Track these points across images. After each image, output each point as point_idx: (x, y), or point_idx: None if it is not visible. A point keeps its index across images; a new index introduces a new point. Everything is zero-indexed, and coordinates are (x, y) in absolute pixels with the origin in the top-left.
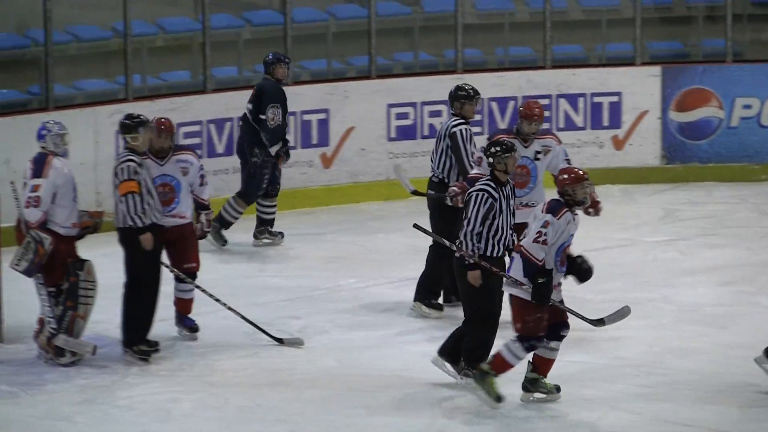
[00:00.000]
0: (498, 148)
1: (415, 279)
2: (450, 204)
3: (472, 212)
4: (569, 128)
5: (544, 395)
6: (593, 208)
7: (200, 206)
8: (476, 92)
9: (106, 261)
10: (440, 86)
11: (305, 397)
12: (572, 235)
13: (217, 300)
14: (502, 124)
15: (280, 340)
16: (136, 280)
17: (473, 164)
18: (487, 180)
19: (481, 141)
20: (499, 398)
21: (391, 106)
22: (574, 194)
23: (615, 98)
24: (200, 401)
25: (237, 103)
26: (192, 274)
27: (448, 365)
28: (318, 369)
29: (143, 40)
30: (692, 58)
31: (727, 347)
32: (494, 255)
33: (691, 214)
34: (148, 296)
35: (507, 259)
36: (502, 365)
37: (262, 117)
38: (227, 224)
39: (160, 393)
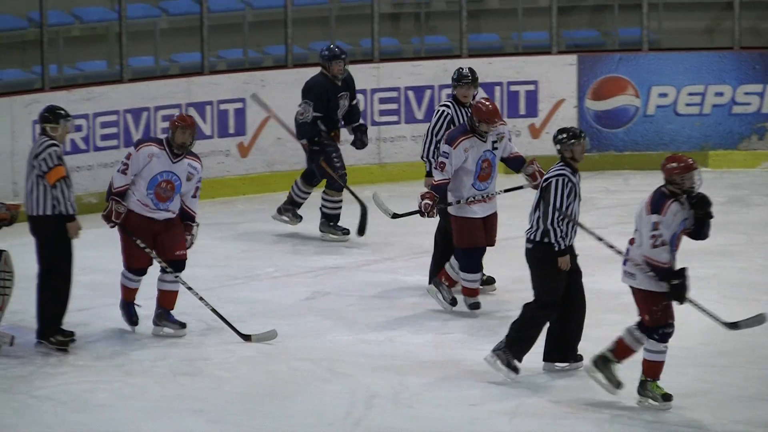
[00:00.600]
0: (564, 136)
1: (333, 268)
2: (426, 218)
3: (555, 198)
4: None
5: (605, 382)
6: None
7: (190, 217)
8: (464, 76)
9: (22, 251)
10: (356, 75)
11: (224, 386)
12: (686, 219)
13: (198, 295)
14: (419, 114)
15: (247, 337)
16: (50, 270)
17: (436, 168)
18: (561, 165)
19: (404, 130)
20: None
21: None
22: (683, 183)
23: (531, 87)
24: (118, 391)
25: (154, 93)
26: (181, 263)
27: (559, 365)
28: (237, 358)
29: (59, 30)
30: (608, 46)
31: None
32: (568, 242)
33: (608, 202)
34: (62, 285)
35: None
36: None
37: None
38: (322, 215)
39: (77, 383)
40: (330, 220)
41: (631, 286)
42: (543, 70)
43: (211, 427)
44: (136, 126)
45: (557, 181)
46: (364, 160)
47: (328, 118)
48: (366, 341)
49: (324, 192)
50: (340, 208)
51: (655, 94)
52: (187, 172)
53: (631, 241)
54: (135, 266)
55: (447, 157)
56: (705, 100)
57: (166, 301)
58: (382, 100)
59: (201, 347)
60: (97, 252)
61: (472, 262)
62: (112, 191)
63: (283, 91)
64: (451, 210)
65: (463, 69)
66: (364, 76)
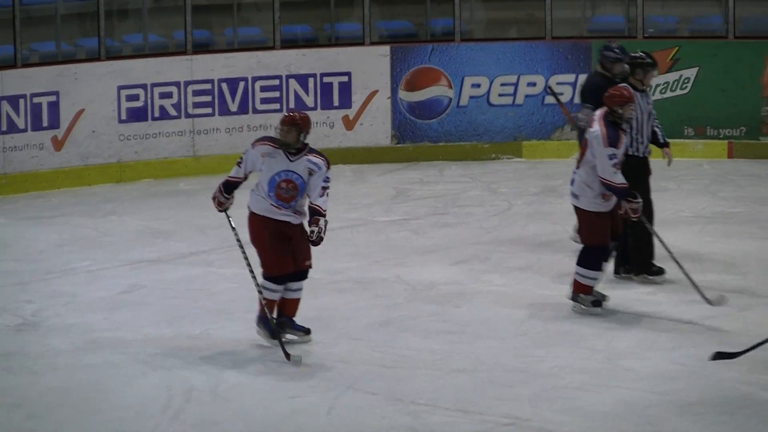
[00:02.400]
0: None
1: (149, 261)
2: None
3: None
4: (301, 107)
5: None
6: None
7: (317, 213)
8: (646, 56)
9: None
10: (170, 67)
11: (41, 380)
12: None
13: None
14: (233, 106)
15: (288, 356)
16: None
17: (616, 172)
18: None
19: (218, 123)
20: None
21: (121, 87)
22: None
23: (345, 78)
24: None
25: None
26: (307, 272)
27: None
28: (53, 352)
29: None
30: (421, 37)
31: (461, 325)
32: None
33: (422, 193)
34: None
35: None
36: None
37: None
38: None
39: None
40: None
41: None
42: (356, 61)
43: (31, 422)
44: None
45: None
46: (177, 153)
47: None
48: (183, 334)
49: None
50: None
51: (468, 85)
52: (307, 168)
53: None
54: (275, 273)
55: (617, 158)
56: (518, 90)
57: (288, 308)
58: (196, 93)
59: (15, 341)
60: None
61: (600, 259)
62: (227, 178)
63: (96, 84)
64: (583, 204)
65: (641, 52)
66: (177, 68)
